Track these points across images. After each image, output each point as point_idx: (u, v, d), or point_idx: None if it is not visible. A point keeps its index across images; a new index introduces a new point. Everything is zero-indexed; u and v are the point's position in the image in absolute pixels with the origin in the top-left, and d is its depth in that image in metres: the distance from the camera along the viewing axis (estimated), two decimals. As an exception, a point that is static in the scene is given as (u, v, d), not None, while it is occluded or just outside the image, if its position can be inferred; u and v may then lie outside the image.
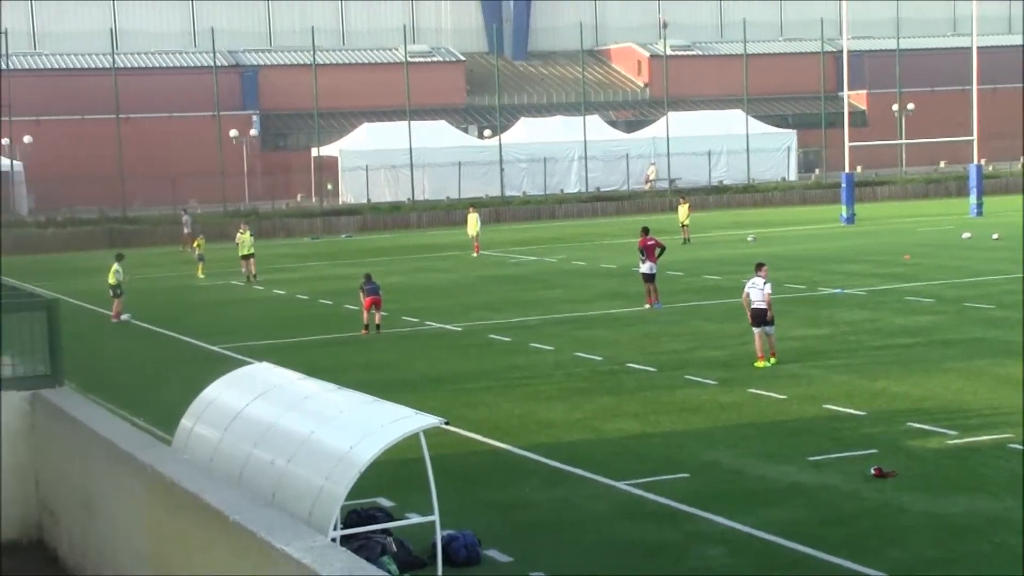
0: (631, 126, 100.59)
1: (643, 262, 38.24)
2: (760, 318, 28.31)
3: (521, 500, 19.00)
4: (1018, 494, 18.00)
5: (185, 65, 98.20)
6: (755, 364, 28.17)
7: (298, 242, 70.36)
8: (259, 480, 14.40)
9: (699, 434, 22.51)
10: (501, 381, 28.03)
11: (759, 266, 29.13)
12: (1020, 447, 20.46)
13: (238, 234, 51.09)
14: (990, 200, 73.97)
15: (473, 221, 58.81)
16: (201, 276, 51.69)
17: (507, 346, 32.66)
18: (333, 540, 12.64)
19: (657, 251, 38.14)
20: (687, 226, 60.02)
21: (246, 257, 49.79)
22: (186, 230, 67.06)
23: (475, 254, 56.95)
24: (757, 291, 28.34)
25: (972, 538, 16.37)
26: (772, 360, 28.24)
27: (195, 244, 54.14)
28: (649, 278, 38.12)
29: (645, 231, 39.00)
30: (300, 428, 14.80)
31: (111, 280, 40.35)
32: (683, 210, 61.10)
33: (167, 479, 11.30)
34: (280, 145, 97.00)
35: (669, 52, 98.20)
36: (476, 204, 67.02)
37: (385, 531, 16.26)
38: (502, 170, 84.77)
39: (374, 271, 38.70)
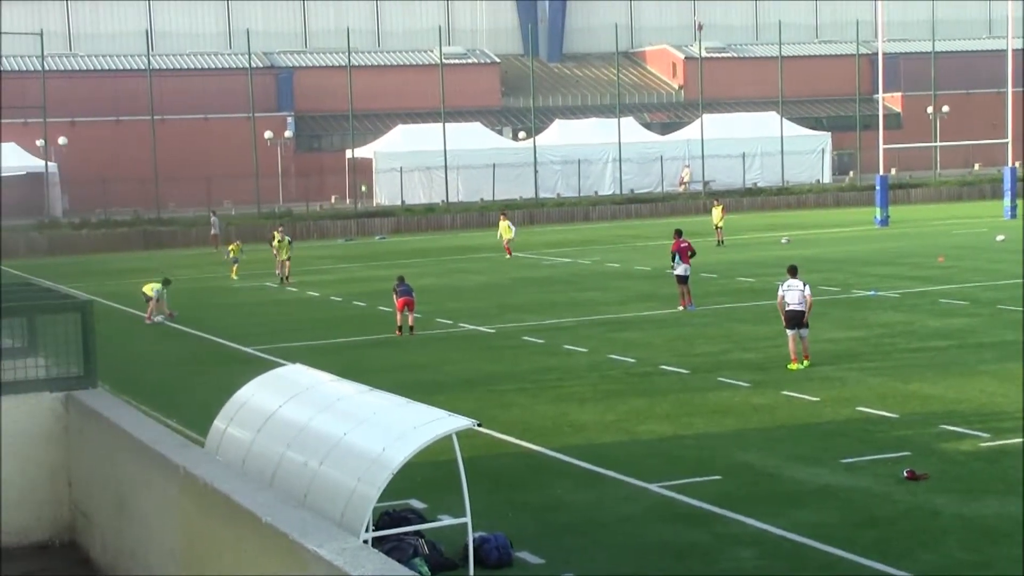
0: (665, 128, 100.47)
1: (676, 264, 38.25)
2: (796, 320, 28.20)
3: (553, 502, 19.02)
4: (1052, 498, 17.93)
5: (220, 67, 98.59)
6: (788, 367, 28.11)
7: (332, 244, 70.55)
8: (292, 481, 14.45)
9: (731, 436, 22.48)
10: (534, 383, 28.05)
11: (793, 269, 29.07)
12: (1054, 451, 20.39)
13: (275, 241, 51.16)
14: (1025, 202, 73.58)
15: (506, 227, 58.12)
16: (234, 277, 51.93)
17: (540, 348, 32.68)
18: (365, 542, 12.68)
19: (689, 253, 38.17)
20: (721, 228, 59.76)
21: (283, 260, 49.95)
22: (213, 231, 67.51)
23: (508, 256, 57.02)
24: (796, 293, 28.15)
25: (1004, 541, 16.31)
26: (805, 363, 28.17)
27: (230, 248, 53.95)
28: (683, 280, 38.15)
29: (678, 233, 39.12)
30: (333, 430, 14.84)
31: (147, 291, 40.62)
32: (717, 212, 60.66)
33: (200, 480, 11.35)
34: (314, 147, 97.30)
35: (704, 54, 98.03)
36: (509, 207, 66.96)
37: (417, 533, 16.31)
38: (536, 172, 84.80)
39: (408, 273, 38.83)
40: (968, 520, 17.22)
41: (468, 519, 14.69)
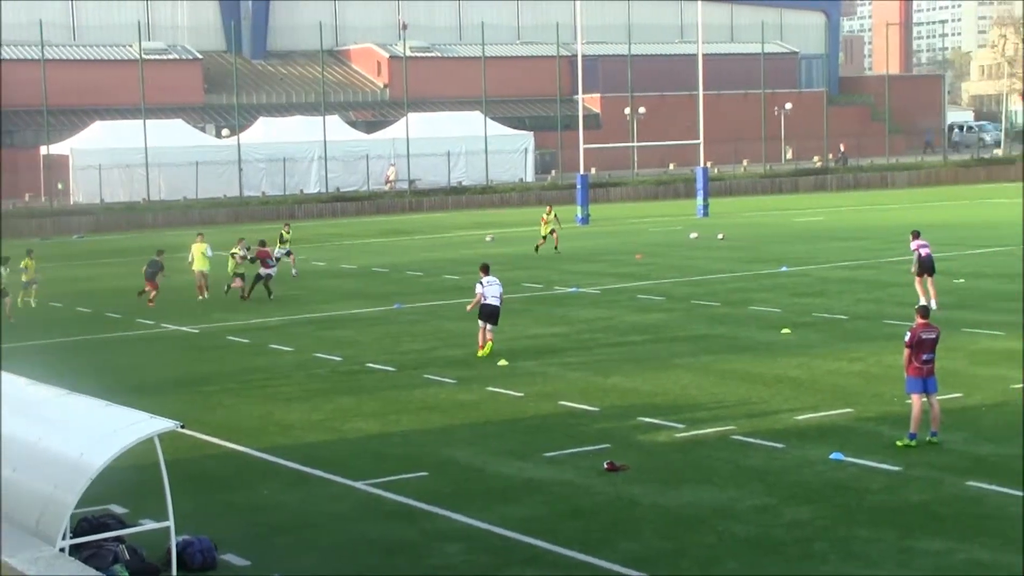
0: (371, 127, 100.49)
1: (261, 264, 40.87)
2: (494, 315, 29.48)
3: (260, 503, 18.80)
4: (741, 484, 18.69)
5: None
6: (478, 354, 29.26)
7: (27, 243, 67.94)
8: (-16, 490, 13.88)
9: (438, 432, 22.65)
10: (240, 383, 27.69)
11: (486, 267, 30.35)
12: (742, 439, 21.25)
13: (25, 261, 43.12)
14: (715, 201, 76.46)
15: (200, 254, 42.09)
16: (33, 304, 40.85)
17: (246, 347, 32.29)
18: (62, 550, 12.29)
19: (270, 260, 41.41)
20: (556, 233, 53.53)
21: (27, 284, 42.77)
22: None
23: (200, 296, 41.90)
24: (495, 288, 29.50)
25: (699, 528, 16.89)
26: (488, 347, 29.43)
27: (24, 264, 40.93)
28: (260, 278, 40.72)
29: (262, 244, 41.78)
30: (27, 435, 14.33)
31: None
32: (551, 219, 53.37)
33: None
34: (7, 143, 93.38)
35: (408, 53, 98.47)
36: (213, 205, 65.49)
37: (118, 539, 15.87)
38: (241, 170, 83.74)
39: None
40: (665, 509, 17.77)
41: (171, 523, 14.40)
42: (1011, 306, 34.70)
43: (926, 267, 35.26)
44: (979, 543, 15.88)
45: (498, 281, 29.89)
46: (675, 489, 18.63)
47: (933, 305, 32.70)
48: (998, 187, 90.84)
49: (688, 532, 16.77)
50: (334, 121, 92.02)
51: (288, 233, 49.00)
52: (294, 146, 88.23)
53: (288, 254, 47.47)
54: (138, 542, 15.99)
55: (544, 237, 53.13)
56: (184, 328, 35.66)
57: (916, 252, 35.52)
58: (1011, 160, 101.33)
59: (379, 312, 37.46)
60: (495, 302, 29.47)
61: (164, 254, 41.28)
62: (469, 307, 30.56)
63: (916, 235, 36.30)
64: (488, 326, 29.60)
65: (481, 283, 29.69)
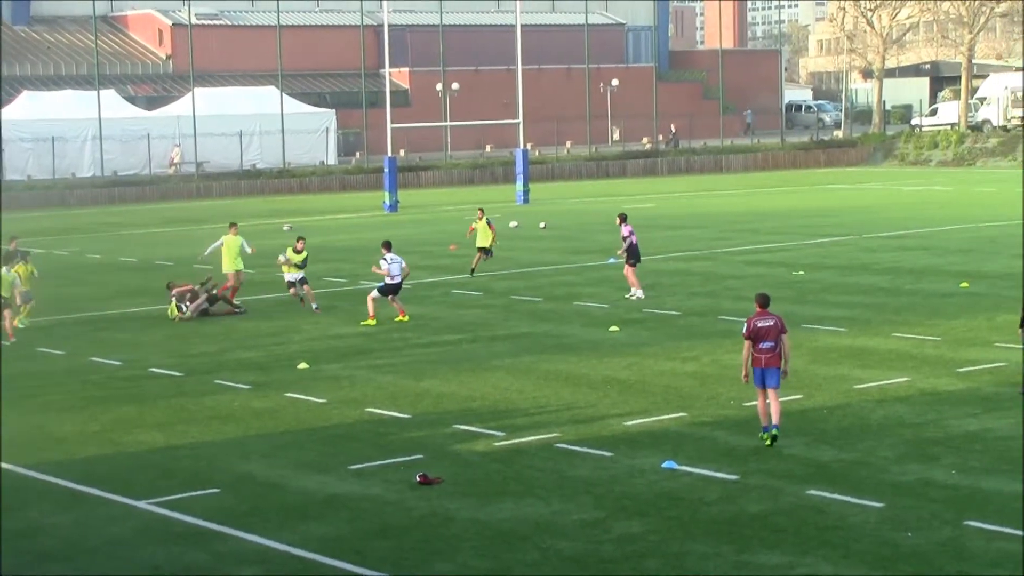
0: (152, 102, 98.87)
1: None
2: (395, 290, 33.72)
3: (28, 526, 18.40)
4: (566, 497, 18.86)
5: None
6: (367, 322, 33.33)
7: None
8: None
9: (231, 444, 22.46)
10: (4, 392, 27.04)
11: (388, 244, 34.25)
12: (567, 447, 21.46)
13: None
14: (537, 187, 77.17)
15: (232, 248, 38.09)
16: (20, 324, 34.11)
17: (10, 352, 31.53)
18: None
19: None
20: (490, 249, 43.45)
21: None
22: None
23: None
24: (397, 265, 33.60)
25: (520, 545, 17.00)
26: (405, 318, 33.66)
27: (16, 269, 34.07)
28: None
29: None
30: None
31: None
32: (482, 226, 43.22)
33: None
34: None
35: (194, 21, 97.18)
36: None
37: None
38: (1, 150, 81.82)
39: None
40: (483, 525, 17.86)
41: (-73, 552, 14.05)
42: (852, 300, 35.72)
43: (633, 255, 37.01)
44: (820, 556, 16.29)
45: (400, 259, 33.87)
46: (495, 503, 18.73)
47: (640, 295, 36.51)
48: (838, 171, 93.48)
49: (509, 550, 16.88)
50: (110, 96, 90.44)
51: (299, 254, 37.05)
52: (64, 124, 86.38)
53: (303, 282, 36.89)
54: None
55: (483, 249, 42.89)
56: (-61, 330, 34.72)
57: (628, 239, 36.75)
58: (852, 142, 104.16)
59: (164, 310, 36.89)
60: (399, 278, 33.80)
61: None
62: (375, 269, 34.42)
63: (624, 219, 37.51)
64: (393, 298, 33.80)
65: (385, 259, 33.57)
